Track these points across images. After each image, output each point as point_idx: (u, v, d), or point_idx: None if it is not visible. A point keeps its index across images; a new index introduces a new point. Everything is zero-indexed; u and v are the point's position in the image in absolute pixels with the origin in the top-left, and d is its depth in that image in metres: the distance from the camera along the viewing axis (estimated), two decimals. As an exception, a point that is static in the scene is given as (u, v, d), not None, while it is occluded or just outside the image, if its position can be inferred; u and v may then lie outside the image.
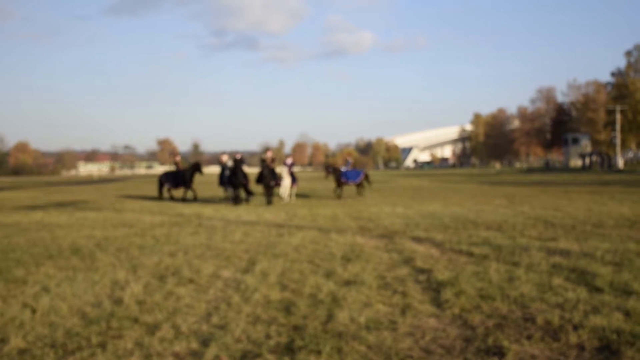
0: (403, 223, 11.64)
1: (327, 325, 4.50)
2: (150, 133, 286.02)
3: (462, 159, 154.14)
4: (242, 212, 15.27)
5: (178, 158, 22.93)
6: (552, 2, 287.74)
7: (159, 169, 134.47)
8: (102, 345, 4.10)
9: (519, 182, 34.92)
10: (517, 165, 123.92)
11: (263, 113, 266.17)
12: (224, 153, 20.82)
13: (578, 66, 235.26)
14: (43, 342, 4.22)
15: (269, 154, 19.75)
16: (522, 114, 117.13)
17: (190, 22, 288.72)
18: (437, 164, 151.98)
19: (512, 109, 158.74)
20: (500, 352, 3.89)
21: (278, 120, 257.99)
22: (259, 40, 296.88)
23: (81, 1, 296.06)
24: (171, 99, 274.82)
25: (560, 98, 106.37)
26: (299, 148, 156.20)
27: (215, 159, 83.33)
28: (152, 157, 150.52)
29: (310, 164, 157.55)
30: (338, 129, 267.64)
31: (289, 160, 19.66)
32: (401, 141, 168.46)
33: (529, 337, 4.16)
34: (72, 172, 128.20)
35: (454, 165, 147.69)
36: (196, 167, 21.07)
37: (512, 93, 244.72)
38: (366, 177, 21.26)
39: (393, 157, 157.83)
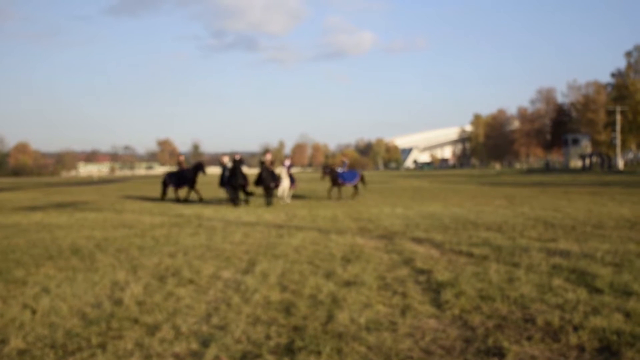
0: (403, 224, 11.64)
1: (327, 326, 4.50)
2: (150, 134, 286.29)
3: (462, 159, 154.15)
4: (242, 213, 15.27)
5: (182, 158, 22.92)
6: (552, 3, 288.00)
7: (159, 170, 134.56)
8: (102, 346, 4.10)
9: (519, 183, 34.93)
10: (517, 166, 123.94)
11: (263, 114, 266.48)
12: (224, 154, 20.83)
13: (578, 67, 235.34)
14: (43, 342, 4.22)
15: (268, 156, 19.75)
16: (522, 115, 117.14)
17: (190, 23, 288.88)
18: (437, 165, 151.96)
19: (512, 109, 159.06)
20: (500, 352, 3.89)
21: (278, 121, 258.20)
22: (258, 41, 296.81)
23: (81, 2, 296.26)
24: (171, 99, 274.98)
25: (560, 99, 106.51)
26: (299, 149, 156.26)
27: (215, 160, 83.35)
28: (152, 157, 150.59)
29: (310, 164, 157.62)
30: (338, 130, 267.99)
31: (288, 162, 19.66)
32: (401, 142, 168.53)
33: (529, 338, 4.16)
34: (72, 173, 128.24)
35: (454, 166, 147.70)
36: (199, 167, 21.03)
37: (512, 94, 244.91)
38: (362, 178, 21.26)
39: (393, 157, 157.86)
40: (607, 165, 70.64)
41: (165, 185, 21.11)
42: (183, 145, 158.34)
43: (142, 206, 18.77)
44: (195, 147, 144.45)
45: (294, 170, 26.17)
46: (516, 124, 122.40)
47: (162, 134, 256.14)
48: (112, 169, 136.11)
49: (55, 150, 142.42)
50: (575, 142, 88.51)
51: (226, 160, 19.74)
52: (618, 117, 76.03)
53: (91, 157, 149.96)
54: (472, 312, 4.80)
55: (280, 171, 19.11)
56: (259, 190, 19.81)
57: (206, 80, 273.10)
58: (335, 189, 21.07)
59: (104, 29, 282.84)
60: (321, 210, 15.42)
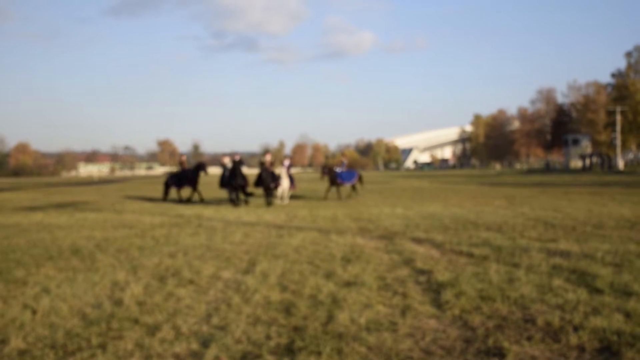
0: (403, 224, 11.64)
1: (327, 326, 4.50)
2: (151, 134, 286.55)
3: (462, 160, 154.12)
4: (242, 213, 15.27)
5: (183, 158, 22.92)
6: (552, 3, 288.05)
7: (159, 170, 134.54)
8: (103, 346, 4.10)
9: (519, 183, 34.92)
10: (517, 166, 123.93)
11: (263, 114, 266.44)
12: (225, 155, 20.82)
13: (578, 67, 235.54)
14: (43, 343, 4.22)
15: (268, 157, 19.75)
16: (522, 115, 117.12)
17: (190, 24, 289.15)
18: (437, 165, 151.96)
19: (512, 110, 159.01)
20: (500, 353, 3.89)
21: (278, 121, 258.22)
22: (258, 41, 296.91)
23: (81, 2, 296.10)
24: (171, 100, 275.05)
25: (560, 99, 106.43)
26: (299, 149, 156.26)
27: (215, 160, 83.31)
28: (152, 158, 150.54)
29: (310, 164, 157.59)
30: (338, 130, 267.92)
31: (287, 162, 19.65)
32: (401, 142, 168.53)
33: (529, 338, 4.16)
34: (72, 173, 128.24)
35: (454, 166, 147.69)
36: (201, 167, 20.99)
37: (512, 94, 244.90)
38: (360, 178, 21.28)
39: (393, 158, 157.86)
40: (607, 165, 70.63)
41: (167, 186, 21.06)
42: (183, 146, 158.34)
43: (142, 206, 18.77)
44: (196, 148, 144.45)
45: (293, 170, 26.12)
46: (516, 124, 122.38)
47: (162, 134, 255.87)
48: (112, 169, 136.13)
49: (56, 151, 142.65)
50: (576, 142, 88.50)
51: (227, 160, 19.74)
52: (618, 118, 76.00)
53: (91, 157, 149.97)
54: (472, 313, 4.80)
55: (280, 171, 19.10)
56: (259, 190, 19.80)
57: (206, 81, 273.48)
58: (333, 189, 21.07)
59: (104, 29, 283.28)
60: (321, 211, 15.42)
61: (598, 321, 4.44)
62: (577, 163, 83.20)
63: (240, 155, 19.77)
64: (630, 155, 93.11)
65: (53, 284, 6.13)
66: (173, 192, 21.55)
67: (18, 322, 4.71)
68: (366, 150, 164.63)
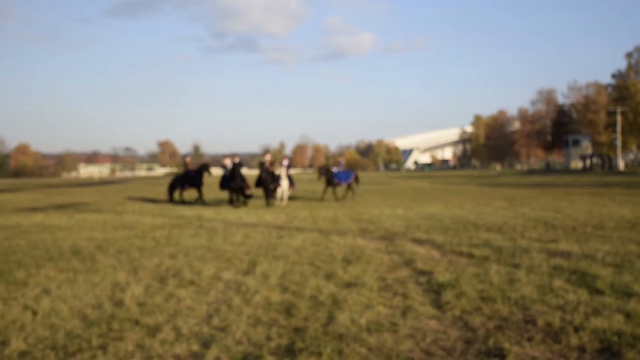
0: (403, 225, 11.65)
1: (328, 327, 4.50)
2: (151, 135, 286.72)
3: (463, 160, 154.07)
4: (243, 214, 15.28)
5: (188, 159, 22.94)
6: (552, 3, 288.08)
7: (160, 171, 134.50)
8: (103, 347, 4.10)
9: (519, 184, 34.92)
10: (518, 167, 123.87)
11: (263, 115, 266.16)
12: (226, 156, 20.83)
13: (578, 68, 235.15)
14: (44, 344, 4.22)
15: (268, 157, 19.74)
16: (523, 116, 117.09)
17: (190, 24, 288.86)
18: (437, 166, 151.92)
19: (512, 110, 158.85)
20: (501, 354, 3.89)
21: (278, 121, 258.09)
22: (258, 42, 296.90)
23: (81, 3, 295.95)
24: (171, 100, 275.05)
25: (560, 100, 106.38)
26: (299, 150, 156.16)
27: (215, 161, 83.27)
28: (152, 159, 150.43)
29: (310, 165, 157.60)
30: (338, 131, 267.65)
31: (285, 162, 19.65)
32: (401, 143, 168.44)
33: (529, 339, 4.16)
34: (73, 174, 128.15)
35: (454, 167, 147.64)
36: (204, 168, 20.94)
37: (512, 95, 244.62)
38: (356, 178, 21.30)
39: (393, 158, 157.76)
40: (608, 166, 70.62)
41: (172, 188, 20.98)
42: (183, 147, 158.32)
43: (143, 207, 18.78)
44: (196, 148, 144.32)
45: (293, 171, 26.11)
46: (517, 125, 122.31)
47: (163, 135, 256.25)
48: (113, 170, 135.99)
49: (56, 152, 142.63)
50: (576, 143, 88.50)
51: (228, 162, 19.74)
52: (618, 118, 75.99)
53: (92, 158, 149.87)
54: (472, 313, 4.80)
55: (280, 172, 19.09)
56: (258, 191, 19.80)
57: (206, 81, 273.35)
58: (330, 189, 21.07)
59: (104, 30, 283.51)
60: (322, 211, 15.43)
61: (598, 322, 4.44)
62: (577, 164, 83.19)
63: (240, 156, 19.77)
64: (631, 156, 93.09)
65: (53, 285, 6.14)
66: (177, 194, 21.51)
67: (19, 323, 4.71)
68: (366, 151, 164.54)
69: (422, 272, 6.54)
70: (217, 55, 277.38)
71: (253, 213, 15.41)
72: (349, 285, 5.93)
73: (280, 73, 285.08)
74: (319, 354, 3.90)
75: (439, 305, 5.11)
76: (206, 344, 4.14)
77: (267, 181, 18.52)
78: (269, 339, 4.26)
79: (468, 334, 4.32)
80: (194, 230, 11.24)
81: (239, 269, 6.94)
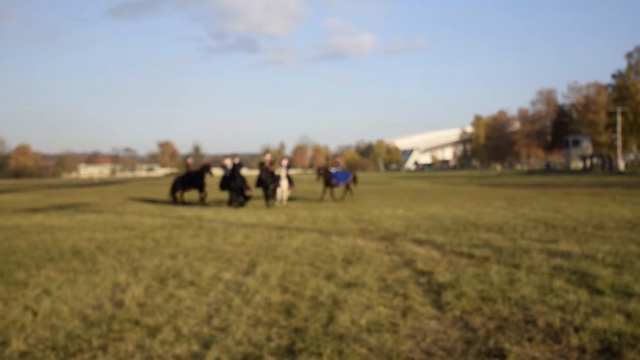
0: (404, 225, 11.65)
1: (328, 327, 4.50)
2: (151, 135, 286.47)
3: (463, 161, 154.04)
4: (243, 214, 15.28)
5: (190, 161, 22.92)
6: (553, 3, 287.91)
7: (160, 172, 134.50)
8: (103, 348, 4.10)
9: (519, 184, 34.92)
10: (518, 167, 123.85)
11: (263, 115, 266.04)
12: (226, 156, 20.81)
13: (579, 68, 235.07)
14: (44, 344, 4.22)
15: (268, 156, 19.73)
16: (523, 116, 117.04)
17: (190, 25, 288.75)
18: (437, 166, 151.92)
19: (512, 111, 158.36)
20: (501, 354, 3.89)
21: (278, 122, 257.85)
22: (259, 42, 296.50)
23: (81, 3, 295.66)
24: (171, 101, 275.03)
25: (560, 100, 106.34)
26: (299, 150, 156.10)
27: (215, 162, 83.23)
28: (152, 159, 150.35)
29: (311, 166, 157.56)
30: (338, 131, 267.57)
31: (285, 162, 19.63)
32: (402, 143, 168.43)
33: (530, 340, 4.16)
34: (73, 175, 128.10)
35: (454, 167, 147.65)
36: (206, 169, 20.94)
37: (512, 95, 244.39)
38: (354, 178, 21.29)
39: (394, 159, 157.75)
40: (608, 166, 70.58)
41: (175, 189, 20.96)
42: (184, 147, 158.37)
43: (143, 208, 18.78)
44: (196, 149, 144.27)
45: (293, 171, 26.10)
46: (517, 125, 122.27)
47: (163, 136, 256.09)
48: (113, 171, 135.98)
49: (56, 152, 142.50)
50: (576, 143, 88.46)
51: (228, 162, 19.74)
52: (619, 118, 75.99)
53: (92, 159, 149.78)
54: (473, 314, 4.80)
55: (280, 172, 19.08)
56: (258, 192, 19.79)
57: (206, 82, 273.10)
58: (328, 190, 21.08)
59: (104, 30, 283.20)
60: (322, 212, 15.43)
61: (599, 322, 4.44)
62: (577, 164, 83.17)
63: (241, 156, 19.75)
64: (631, 156, 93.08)
65: (54, 285, 6.14)
66: (179, 195, 21.49)
67: (19, 324, 4.71)
68: (367, 151, 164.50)
69: (423, 273, 6.54)
70: (217, 56, 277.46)
71: (253, 214, 15.41)
72: (349, 285, 5.93)
73: (280, 73, 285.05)
74: (319, 355, 3.90)
75: (439, 305, 5.11)
76: (206, 345, 4.14)
77: (267, 181, 18.50)
78: (269, 339, 4.26)
79: (468, 334, 4.32)
80: (194, 231, 11.24)
81: (239, 270, 6.94)
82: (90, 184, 59.18)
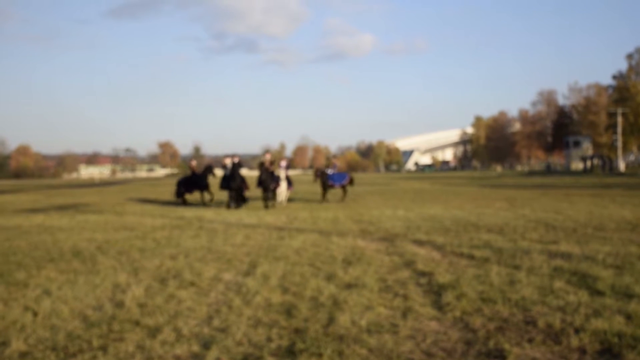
0: (404, 226, 11.65)
1: (328, 328, 4.50)
2: (151, 136, 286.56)
3: (463, 161, 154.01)
4: (244, 215, 15.28)
5: (194, 163, 22.90)
6: (553, 4, 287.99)
7: (160, 172, 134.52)
8: (104, 348, 4.11)
9: (520, 185, 34.91)
10: (518, 168, 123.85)
11: (264, 116, 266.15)
12: (227, 156, 20.75)
13: (579, 69, 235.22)
14: (44, 345, 4.22)
15: (268, 156, 19.71)
16: (523, 117, 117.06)
17: (190, 25, 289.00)
18: (438, 167, 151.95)
19: (513, 111, 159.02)
20: (501, 355, 3.89)
21: (279, 122, 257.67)
22: (259, 43, 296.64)
23: (81, 4, 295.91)
24: (172, 101, 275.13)
25: (561, 101, 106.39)
26: (299, 151, 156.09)
27: (216, 162, 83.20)
28: (153, 160, 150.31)
29: (311, 166, 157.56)
30: (339, 132, 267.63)
31: (284, 163, 19.62)
32: (402, 144, 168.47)
33: (530, 340, 4.15)
34: (73, 175, 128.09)
35: (455, 168, 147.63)
36: (209, 170, 20.92)
37: (513, 96, 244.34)
38: (351, 180, 21.27)
39: (394, 159, 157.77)
40: (608, 167, 70.54)
41: (179, 190, 20.92)
42: (184, 147, 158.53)
43: (143, 208, 18.79)
44: (197, 149, 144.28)
45: (292, 172, 26.07)
46: (517, 126, 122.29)
47: (163, 136, 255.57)
48: (113, 171, 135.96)
49: (57, 153, 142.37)
50: (577, 144, 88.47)
51: (228, 162, 19.72)
52: (619, 119, 76.00)
53: (92, 159, 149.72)
54: (473, 315, 4.80)
55: (279, 173, 19.07)
56: (257, 192, 19.77)
57: (207, 82, 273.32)
58: (325, 191, 21.06)
59: (104, 31, 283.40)
60: (322, 212, 15.43)
61: (599, 323, 4.44)
62: (578, 165, 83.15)
63: (240, 156, 19.72)
64: (631, 157, 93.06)
65: (54, 286, 6.14)
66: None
67: (19, 324, 4.71)
68: (367, 152, 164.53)
69: (423, 273, 6.54)
70: (218, 56, 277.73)
71: (253, 214, 15.41)
72: (349, 286, 5.93)
73: (280, 74, 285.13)
74: (320, 355, 3.90)
75: (439, 306, 5.11)
76: (206, 345, 4.14)
77: (267, 182, 18.49)
78: (269, 340, 4.26)
79: (468, 335, 4.32)
80: (194, 232, 11.24)
81: (239, 270, 6.94)
82: (90, 184, 59.21)
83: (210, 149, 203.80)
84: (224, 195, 20.53)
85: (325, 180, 20.61)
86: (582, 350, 3.96)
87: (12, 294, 5.84)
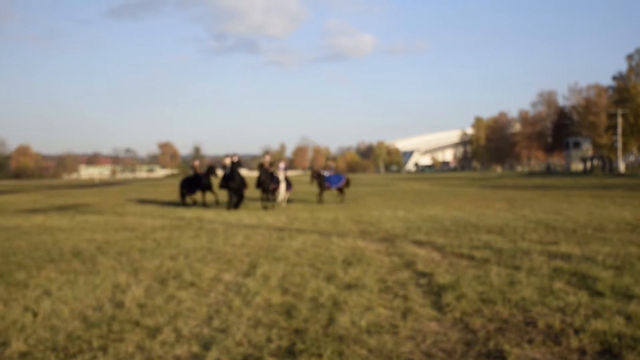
0: (404, 227, 11.65)
1: (328, 328, 4.50)
2: (151, 136, 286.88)
3: (463, 162, 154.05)
4: (244, 215, 15.29)
5: (196, 163, 22.89)
6: (553, 5, 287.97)
7: (160, 172, 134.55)
8: (104, 349, 4.11)
9: (520, 186, 34.91)
10: (519, 169, 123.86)
11: (264, 116, 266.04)
12: (227, 155, 20.74)
13: (579, 70, 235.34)
14: (44, 345, 4.22)
15: (267, 158, 19.72)
16: (523, 118, 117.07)
17: (190, 26, 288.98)
18: (438, 168, 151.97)
19: (513, 112, 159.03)
20: (501, 356, 3.89)
21: (279, 123, 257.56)
22: (259, 43, 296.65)
23: (81, 4, 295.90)
24: (172, 102, 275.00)
25: (561, 102, 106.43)
26: (300, 151, 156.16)
27: (216, 162, 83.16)
28: (153, 160, 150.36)
29: (311, 167, 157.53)
30: (339, 133, 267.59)
31: (282, 164, 19.62)
32: (402, 145, 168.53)
33: (530, 341, 4.16)
34: (74, 176, 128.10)
35: (455, 169, 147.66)
36: (211, 171, 20.90)
37: (513, 97, 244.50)
38: (347, 182, 21.25)
39: (394, 160, 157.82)
40: (609, 168, 70.55)
41: (183, 191, 20.91)
42: (184, 148, 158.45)
43: (143, 209, 18.79)
44: (197, 150, 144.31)
45: (291, 173, 26.06)
46: (517, 127, 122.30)
47: (163, 137, 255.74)
48: (113, 172, 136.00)
49: (57, 153, 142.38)
50: (577, 145, 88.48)
51: (228, 161, 19.72)
52: (619, 120, 76.02)
53: (92, 159, 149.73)
54: (473, 315, 4.80)
55: (278, 174, 19.07)
56: (255, 193, 19.76)
57: (207, 83, 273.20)
58: (322, 192, 21.05)
59: (104, 31, 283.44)
60: (322, 213, 15.43)
61: (599, 324, 4.44)
62: (578, 166, 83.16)
63: (240, 156, 19.71)
64: (631, 158, 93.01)
65: (54, 286, 6.14)
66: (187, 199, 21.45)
67: (19, 325, 4.71)
68: (367, 152, 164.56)
69: (423, 274, 6.54)
70: (218, 57, 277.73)
71: (254, 215, 15.41)
72: (349, 286, 5.93)
73: (280, 74, 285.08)
74: (319, 356, 3.90)
75: (439, 307, 5.11)
76: (206, 346, 4.14)
77: (267, 183, 18.49)
78: (269, 340, 4.26)
79: (468, 335, 4.32)
80: (194, 232, 11.24)
81: (239, 271, 6.94)
82: (90, 184, 59.21)
83: (210, 150, 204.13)
84: (224, 195, 20.52)
85: (321, 182, 20.64)
86: (582, 351, 3.96)
87: (12, 294, 5.84)
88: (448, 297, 5.36)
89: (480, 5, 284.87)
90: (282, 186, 18.89)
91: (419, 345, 4.12)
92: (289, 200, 20.80)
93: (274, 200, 18.95)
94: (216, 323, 4.70)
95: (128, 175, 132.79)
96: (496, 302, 5.19)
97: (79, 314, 5.04)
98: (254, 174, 22.50)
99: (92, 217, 15.28)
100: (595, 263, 6.98)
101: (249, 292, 5.75)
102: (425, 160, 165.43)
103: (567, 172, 77.04)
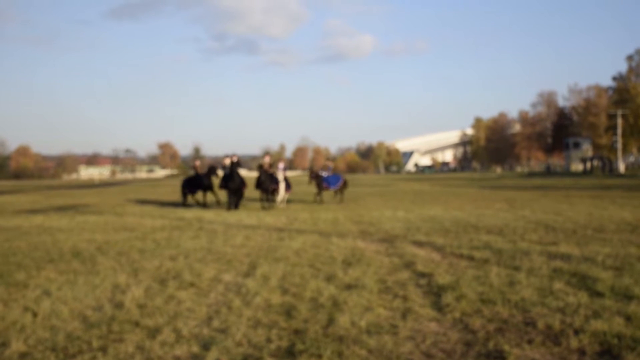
0: (404, 227, 11.65)
1: (328, 329, 4.50)
2: (151, 137, 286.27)
3: (463, 163, 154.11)
4: (243, 216, 15.29)
5: (197, 163, 22.88)
6: (553, 5, 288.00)
7: (160, 173, 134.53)
8: (103, 349, 4.11)
9: (519, 186, 34.91)
10: (518, 169, 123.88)
11: (264, 117, 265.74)
12: (227, 156, 20.73)
13: (579, 70, 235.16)
14: (44, 345, 4.22)
15: (267, 159, 19.72)
16: (523, 118, 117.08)
17: (190, 26, 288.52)
18: (438, 168, 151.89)
19: (513, 113, 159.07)
20: (501, 356, 3.89)
21: (279, 123, 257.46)
22: (259, 44, 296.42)
23: (82, 5, 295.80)
24: (172, 102, 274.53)
25: (561, 102, 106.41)
26: (300, 152, 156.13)
27: (216, 163, 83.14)
28: (153, 160, 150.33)
29: (310, 168, 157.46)
30: (339, 133, 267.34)
31: (281, 165, 19.62)
32: (402, 145, 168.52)
33: (529, 342, 4.16)
34: (73, 176, 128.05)
35: (454, 170, 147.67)
36: (212, 171, 20.89)
37: (513, 97, 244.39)
38: (345, 183, 21.25)
39: (394, 161, 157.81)
40: (608, 168, 70.55)
41: (184, 191, 20.92)
42: (184, 148, 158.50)
43: (143, 209, 18.79)
44: (197, 150, 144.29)
45: (290, 173, 26.09)
46: (517, 128, 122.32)
47: (163, 137, 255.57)
48: (113, 172, 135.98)
49: (57, 153, 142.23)
50: (577, 145, 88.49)
51: (227, 161, 19.71)
52: (619, 121, 76.06)
53: (92, 160, 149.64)
54: (473, 316, 4.81)
55: (278, 174, 19.08)
56: (254, 193, 19.76)
57: (207, 83, 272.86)
58: (320, 192, 21.05)
59: (104, 32, 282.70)
60: (322, 214, 15.43)
61: (599, 324, 4.44)
62: (578, 166, 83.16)
63: (239, 157, 19.71)
64: (631, 159, 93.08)
65: (54, 286, 6.14)
66: (190, 197, 21.44)
67: (19, 325, 4.71)
68: (367, 153, 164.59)
69: (423, 275, 6.54)
70: (218, 57, 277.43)
71: (253, 215, 15.41)
72: (349, 287, 5.93)
73: (280, 75, 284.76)
74: (319, 356, 3.90)
75: (439, 307, 5.11)
76: (206, 346, 4.14)
77: (266, 183, 18.50)
78: (269, 340, 4.26)
79: (468, 336, 4.32)
80: (194, 232, 11.24)
81: (239, 271, 6.94)
82: (90, 185, 59.22)
83: (210, 150, 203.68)
84: (224, 195, 20.51)
85: (320, 183, 20.66)
86: (582, 352, 3.96)
87: (12, 294, 5.84)
88: (448, 298, 5.36)
89: (480, 5, 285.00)
90: (282, 186, 18.89)
91: (419, 346, 4.12)
92: (289, 201, 20.80)
93: (274, 201, 18.96)
94: (216, 323, 4.70)
95: (128, 175, 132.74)
96: (496, 302, 5.19)
97: (78, 314, 5.04)
98: (254, 174, 22.47)
99: (92, 218, 15.28)
100: (595, 264, 6.98)
101: (249, 292, 5.75)
102: (425, 161, 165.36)
103: (567, 173, 77.05)
